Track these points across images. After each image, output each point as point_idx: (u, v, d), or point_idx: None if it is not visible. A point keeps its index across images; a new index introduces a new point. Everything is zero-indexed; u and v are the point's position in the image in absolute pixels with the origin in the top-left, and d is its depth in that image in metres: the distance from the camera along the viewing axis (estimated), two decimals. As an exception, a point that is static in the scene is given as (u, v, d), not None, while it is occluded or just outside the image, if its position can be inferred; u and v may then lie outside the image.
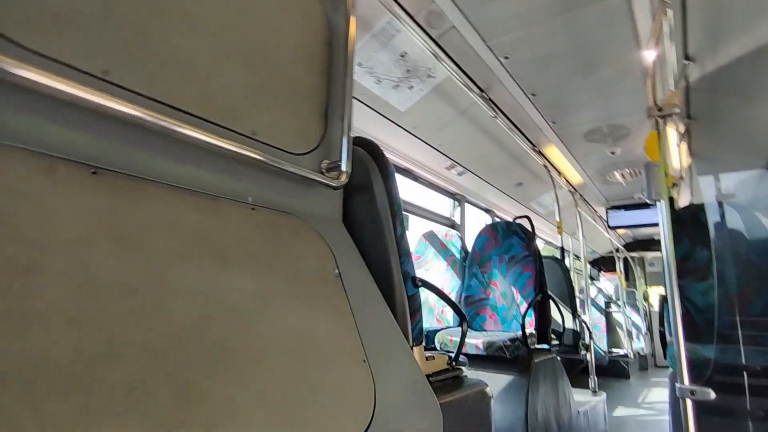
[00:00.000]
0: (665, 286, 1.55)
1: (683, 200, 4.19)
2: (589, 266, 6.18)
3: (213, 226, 0.81)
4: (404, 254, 1.24)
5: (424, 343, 1.31)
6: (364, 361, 0.95)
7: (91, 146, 0.70)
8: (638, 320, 7.06)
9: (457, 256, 3.04)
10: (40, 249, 0.56)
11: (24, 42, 0.62)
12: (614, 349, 6.19)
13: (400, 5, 1.97)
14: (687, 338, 1.42)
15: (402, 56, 2.33)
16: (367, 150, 1.30)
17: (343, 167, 1.08)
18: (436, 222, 3.93)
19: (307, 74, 1.12)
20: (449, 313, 2.91)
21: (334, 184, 1.07)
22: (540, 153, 3.78)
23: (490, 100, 2.85)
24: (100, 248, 0.62)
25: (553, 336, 2.69)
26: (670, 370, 1.90)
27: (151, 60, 0.77)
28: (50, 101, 0.64)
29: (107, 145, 0.72)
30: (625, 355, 5.99)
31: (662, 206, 1.50)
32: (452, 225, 4.15)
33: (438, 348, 2.43)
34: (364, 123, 2.70)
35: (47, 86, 0.59)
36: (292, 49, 1.08)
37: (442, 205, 4.21)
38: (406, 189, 3.58)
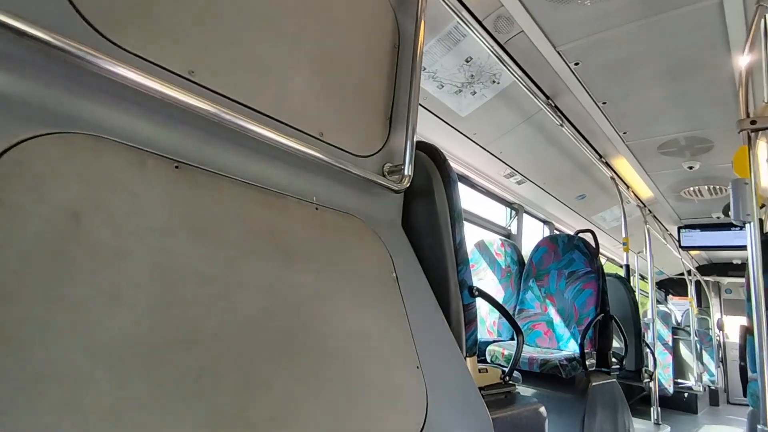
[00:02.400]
0: (750, 317, 1.40)
1: (772, 223, 3.80)
2: (656, 288, 5.75)
3: (280, 223, 0.84)
4: (462, 262, 1.21)
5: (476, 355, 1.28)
6: (418, 367, 0.94)
7: (174, 142, 0.74)
8: (710, 350, 6.48)
9: (513, 267, 2.94)
10: (129, 235, 0.60)
11: (122, 43, 0.67)
12: (681, 380, 5.71)
13: (468, 9, 1.95)
14: (772, 376, 1.27)
15: (467, 61, 2.30)
16: (430, 155, 1.29)
17: (406, 171, 1.08)
18: (492, 231, 3.83)
19: (374, 77, 1.13)
20: (503, 326, 2.82)
21: (395, 188, 1.07)
22: (607, 164, 3.58)
23: (557, 107, 2.74)
24: (179, 238, 0.66)
25: (613, 359, 2.53)
26: (750, 408, 1.71)
27: (232, 62, 0.82)
28: (142, 98, 0.69)
29: (189, 141, 0.76)
30: (693, 387, 5.51)
31: (751, 228, 1.36)
32: (508, 235, 4.03)
33: (489, 360, 2.37)
34: (422, 127, 2.69)
35: (140, 84, 0.63)
36: (361, 53, 1.10)
37: (498, 213, 4.10)
38: (462, 196, 3.53)
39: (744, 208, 1.38)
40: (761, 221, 1.55)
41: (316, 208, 0.95)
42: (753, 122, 1.45)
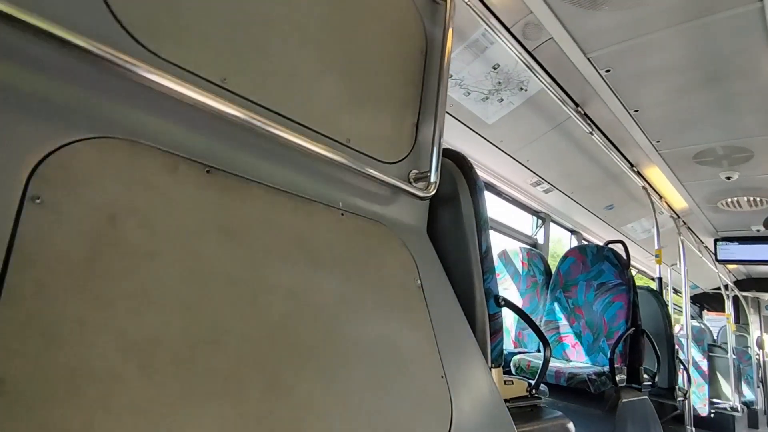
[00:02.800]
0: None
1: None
2: (690, 303, 5.52)
3: (306, 228, 0.85)
4: (488, 271, 1.19)
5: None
6: (442, 377, 0.93)
7: (206, 147, 0.76)
8: (749, 369, 6.15)
9: (539, 277, 2.88)
10: (161, 238, 0.62)
11: (158, 51, 0.69)
12: (717, 400, 5.44)
13: (496, 16, 1.93)
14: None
15: (494, 68, 2.28)
16: (456, 162, 1.28)
17: (432, 178, 1.08)
18: (517, 240, 3.77)
19: (401, 84, 1.14)
20: (527, 337, 2.76)
21: (421, 195, 1.06)
22: (639, 174, 3.47)
23: (586, 115, 2.68)
24: (209, 241, 0.67)
25: (645, 376, 2.44)
26: None
27: (262, 69, 0.83)
28: (176, 105, 0.71)
29: (220, 147, 0.78)
30: (731, 408, 5.24)
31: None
32: (534, 244, 3.95)
33: (514, 372, 2.31)
34: (447, 134, 2.68)
35: (175, 91, 0.65)
36: (389, 59, 1.10)
37: (523, 222, 4.03)
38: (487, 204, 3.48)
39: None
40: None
41: (342, 214, 0.95)
42: (798, 130, 1.38)
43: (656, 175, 3.61)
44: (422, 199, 1.09)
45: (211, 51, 0.76)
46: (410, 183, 1.10)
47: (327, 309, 0.79)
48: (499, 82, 2.38)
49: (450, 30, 1.21)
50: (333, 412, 0.70)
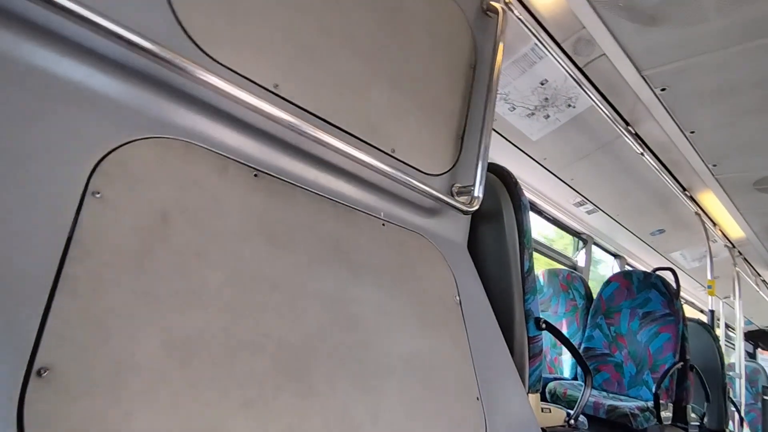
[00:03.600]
0: None
1: None
2: (744, 339, 5.14)
3: (348, 236, 0.84)
4: (529, 291, 1.15)
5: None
6: (478, 399, 0.89)
7: (255, 151, 0.77)
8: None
9: (579, 301, 2.76)
10: (209, 237, 0.63)
11: (216, 56, 0.71)
12: (771, 447, 4.99)
13: (547, 31, 1.90)
14: None
15: (542, 84, 2.23)
16: (501, 178, 1.25)
17: (476, 192, 1.05)
18: (557, 261, 3.64)
19: (448, 96, 1.12)
20: (563, 362, 2.64)
21: (464, 209, 1.04)
22: (692, 198, 3.29)
23: (637, 135, 2.57)
24: (254, 243, 0.68)
25: (692, 415, 2.27)
26: None
27: (313, 77, 0.84)
28: (230, 108, 0.73)
29: (268, 151, 0.79)
30: (785, 458, 4.80)
31: None
32: (573, 266, 3.81)
33: (549, 399, 2.21)
34: (491, 148, 2.64)
35: (230, 95, 0.67)
36: (437, 71, 1.10)
37: (564, 243, 3.89)
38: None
39: None
40: None
41: (383, 224, 0.94)
42: None
43: (711, 200, 3.41)
44: (465, 213, 1.06)
45: (266, 57, 0.78)
46: (453, 196, 1.08)
47: (364, 319, 0.78)
48: (546, 98, 2.33)
49: (501, 44, 1.20)
50: (366, 423, 0.68)
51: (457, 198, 1.08)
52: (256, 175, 0.75)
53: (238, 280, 0.63)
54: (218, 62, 0.72)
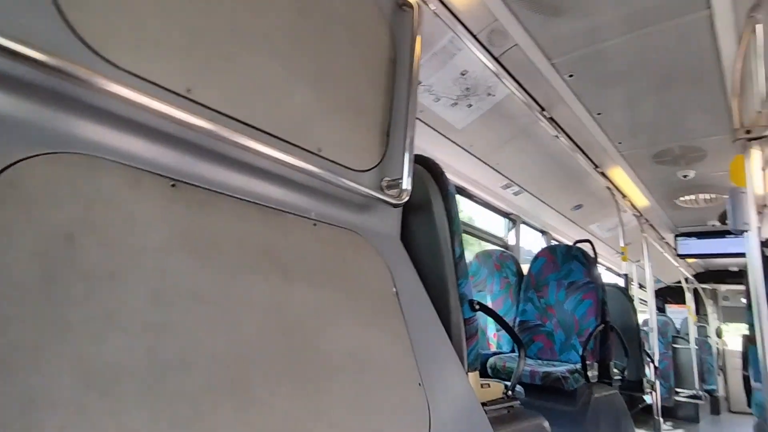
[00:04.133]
0: (751, 326, 1.39)
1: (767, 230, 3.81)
2: (654, 297, 5.75)
3: (278, 240, 0.83)
4: (462, 276, 1.20)
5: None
6: (420, 384, 0.93)
7: (171, 160, 0.73)
8: (710, 358, 6.45)
9: (512, 278, 2.93)
10: (124, 256, 0.59)
11: (118, 61, 0.67)
12: (681, 389, 5.67)
13: (462, 24, 1.97)
14: (777, 386, 1.26)
15: (462, 74, 2.31)
16: (427, 168, 1.29)
17: (404, 185, 1.08)
18: (490, 242, 3.83)
19: (371, 92, 1.14)
20: (503, 338, 2.80)
21: (394, 202, 1.06)
22: (603, 174, 3.59)
23: (552, 119, 2.76)
24: (176, 258, 0.65)
25: (615, 370, 2.51)
26: (756, 420, 1.70)
27: (229, 79, 0.81)
28: (138, 117, 0.69)
29: (185, 159, 0.76)
30: (695, 396, 5.47)
31: (750, 237, 1.36)
32: (506, 246, 4.03)
33: (490, 374, 2.34)
34: (418, 140, 2.70)
35: (136, 102, 0.63)
36: (358, 68, 1.10)
37: (496, 225, 4.10)
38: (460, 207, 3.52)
39: (742, 216, 1.38)
40: (759, 228, 1.55)
41: (314, 224, 0.94)
42: (748, 131, 1.46)
43: (619, 175, 3.75)
44: (395, 206, 1.08)
45: (175, 61, 0.74)
46: (382, 191, 1.10)
47: (301, 322, 0.78)
48: (468, 88, 2.42)
49: (418, 37, 1.22)
50: (311, 426, 0.69)
51: (386, 192, 1.09)
52: (173, 186, 0.71)
53: (160, 298, 0.60)
54: (121, 68, 0.67)
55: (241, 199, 0.81)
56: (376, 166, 1.11)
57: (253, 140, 0.77)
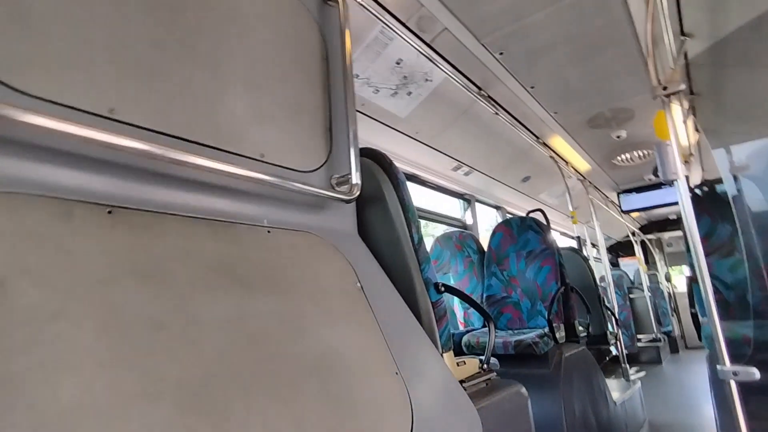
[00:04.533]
0: (692, 266, 1.51)
1: (695, 177, 4.12)
2: (607, 253, 6.08)
3: (232, 252, 0.81)
4: (424, 261, 1.22)
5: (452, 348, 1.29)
6: (396, 373, 0.94)
7: (105, 185, 0.70)
8: (663, 303, 6.93)
9: (474, 256, 3.01)
10: (64, 294, 0.56)
11: (27, 89, 0.62)
12: (642, 335, 6.06)
13: (390, 13, 1.98)
14: (721, 317, 1.38)
15: (398, 63, 2.33)
16: (375, 160, 1.29)
17: (354, 180, 1.08)
18: (449, 224, 3.90)
19: (307, 91, 1.12)
20: (473, 316, 2.87)
21: (346, 198, 1.06)
22: (545, 145, 3.75)
23: (490, 97, 2.84)
24: (123, 287, 0.62)
25: (580, 328, 2.64)
26: (707, 351, 1.84)
27: (155, 94, 0.78)
28: (60, 145, 0.65)
29: (121, 183, 0.72)
30: (655, 339, 5.87)
31: (680, 185, 1.47)
32: (464, 226, 4.12)
33: (466, 351, 2.40)
34: (366, 133, 2.71)
35: (55, 130, 0.59)
36: (291, 68, 1.08)
37: (453, 207, 4.19)
38: (414, 194, 3.57)
39: (670, 167, 1.48)
40: (688, 177, 1.67)
41: (269, 231, 0.92)
42: (665, 88, 1.57)
43: (559, 143, 3.92)
44: (347, 202, 1.08)
45: (92, 81, 0.70)
46: (333, 188, 1.09)
47: (268, 331, 0.76)
48: (405, 76, 2.44)
49: (347, 31, 1.22)
50: (292, 435, 0.68)
51: (337, 189, 1.09)
52: (110, 212, 0.68)
53: (112, 332, 0.57)
54: (33, 96, 0.63)
55: (187, 216, 0.78)
56: (323, 165, 1.10)
57: (190, 154, 0.74)
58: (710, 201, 2.15)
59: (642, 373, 3.59)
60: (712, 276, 2.00)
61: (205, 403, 0.61)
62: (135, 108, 0.75)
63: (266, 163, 0.95)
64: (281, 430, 0.67)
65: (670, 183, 1.51)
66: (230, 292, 0.75)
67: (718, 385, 1.43)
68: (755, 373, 1.26)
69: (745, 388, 1.30)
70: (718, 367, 1.32)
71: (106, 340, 0.56)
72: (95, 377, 0.53)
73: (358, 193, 1.07)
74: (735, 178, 2.30)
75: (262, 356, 0.72)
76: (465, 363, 1.32)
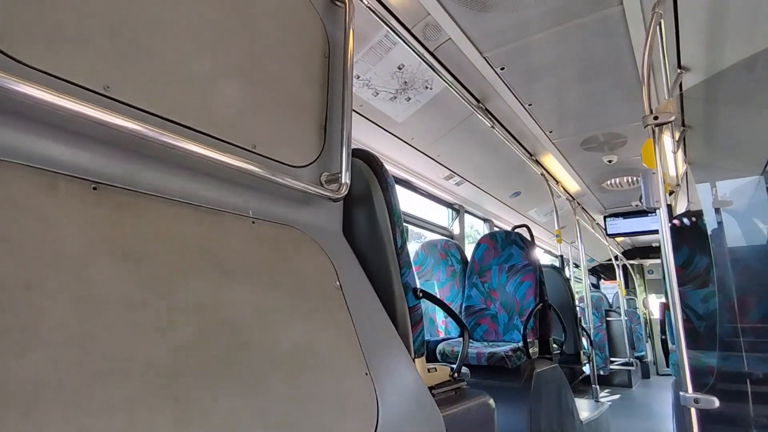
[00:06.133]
0: (666, 294, 1.54)
1: (680, 207, 4.21)
2: (588, 274, 6.17)
3: (214, 240, 0.81)
4: (405, 265, 1.24)
5: (426, 355, 1.30)
6: (366, 374, 0.95)
7: (92, 162, 0.70)
8: (639, 328, 7.04)
9: (457, 266, 3.03)
10: (41, 265, 0.56)
11: (25, 59, 0.62)
12: (615, 358, 6.15)
13: (396, 18, 1.99)
14: (689, 346, 1.41)
15: (399, 68, 2.35)
16: (367, 162, 1.30)
17: (343, 179, 1.09)
18: (435, 232, 3.93)
19: (306, 87, 1.13)
20: (451, 324, 2.90)
21: (333, 196, 1.07)
22: (537, 162, 3.80)
23: (487, 110, 2.87)
24: (100, 264, 0.62)
25: (554, 345, 2.68)
26: (674, 378, 1.89)
27: (152, 75, 0.78)
28: (52, 118, 0.65)
29: (108, 161, 0.72)
30: (627, 363, 5.96)
31: (661, 214, 1.51)
32: (451, 235, 4.15)
33: (440, 359, 2.42)
34: (362, 134, 2.72)
35: (48, 103, 0.59)
36: (292, 63, 1.09)
37: (440, 215, 4.22)
38: (404, 200, 3.59)
39: (653, 195, 1.52)
40: (670, 206, 1.71)
41: (253, 222, 0.93)
42: (656, 117, 1.60)
43: (551, 162, 3.98)
44: (335, 200, 1.09)
45: (90, 56, 0.70)
46: (322, 185, 1.10)
47: (242, 321, 0.77)
48: (405, 82, 2.46)
49: (351, 32, 1.23)
50: (255, 425, 0.68)
51: (326, 186, 1.10)
52: (95, 189, 0.68)
53: (85, 307, 0.57)
54: (31, 67, 0.63)
55: (171, 199, 0.78)
56: (314, 162, 1.11)
57: (182, 138, 0.74)
58: (691, 232, 2.19)
59: (616, 396, 3.65)
60: (686, 305, 2.05)
61: (170, 386, 0.61)
62: (129, 87, 0.75)
63: (257, 154, 0.96)
64: (245, 418, 0.67)
65: (653, 211, 1.55)
66: (208, 279, 0.75)
67: (680, 411, 1.46)
68: (715, 402, 1.29)
69: (704, 415, 1.34)
70: (681, 393, 1.35)
71: (78, 316, 0.56)
72: (62, 352, 0.53)
73: (346, 192, 1.08)
74: (717, 211, 2.35)
75: (233, 345, 0.73)
76: (436, 370, 1.33)
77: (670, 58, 2.27)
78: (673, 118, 1.64)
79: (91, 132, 0.69)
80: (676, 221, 2.15)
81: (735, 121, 2.90)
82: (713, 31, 2.19)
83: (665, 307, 2.02)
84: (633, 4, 1.98)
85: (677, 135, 3.02)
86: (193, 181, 0.84)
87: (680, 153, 3.19)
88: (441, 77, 2.34)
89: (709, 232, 2.06)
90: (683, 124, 3.07)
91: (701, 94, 2.76)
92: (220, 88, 0.90)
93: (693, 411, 1.34)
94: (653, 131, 1.62)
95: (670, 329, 1.90)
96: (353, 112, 2.43)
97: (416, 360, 1.20)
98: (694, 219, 2.17)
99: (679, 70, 2.47)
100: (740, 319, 1.83)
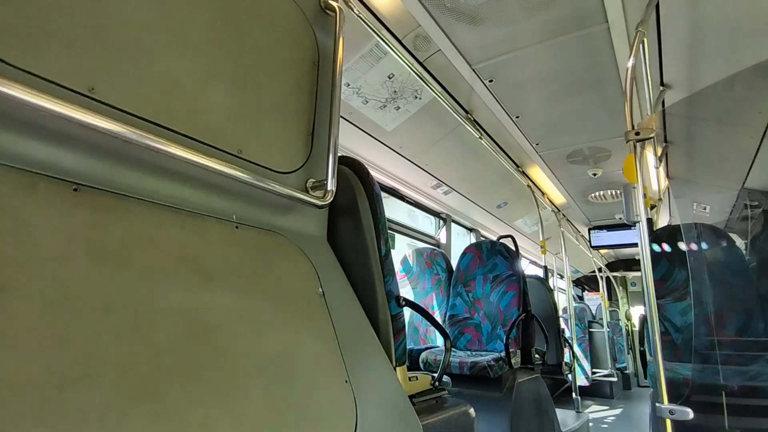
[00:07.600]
0: (645, 306, 1.57)
1: (662, 222, 4.29)
2: (572, 286, 6.24)
3: (196, 244, 0.81)
4: (388, 274, 1.24)
5: (408, 363, 1.30)
6: (347, 381, 0.95)
7: (74, 163, 0.69)
8: (621, 339, 7.13)
9: (442, 275, 3.05)
10: (16, 267, 0.55)
11: (10, 59, 0.62)
12: (597, 369, 6.21)
13: (387, 29, 2.02)
14: (666, 358, 1.44)
15: (389, 77, 2.37)
16: (353, 169, 1.31)
17: (329, 186, 1.09)
18: (421, 241, 3.94)
19: (294, 93, 1.14)
20: (434, 333, 2.90)
21: (319, 203, 1.07)
22: (524, 173, 3.85)
23: (475, 121, 2.91)
24: (78, 266, 0.61)
25: (536, 356, 2.70)
26: (651, 389, 1.91)
27: (137, 77, 0.78)
28: (34, 118, 0.64)
29: (90, 162, 0.71)
30: (609, 375, 6.02)
31: (641, 227, 1.54)
32: (437, 244, 4.17)
33: (422, 368, 2.42)
34: (350, 142, 2.73)
35: (31, 103, 0.58)
36: (281, 69, 1.10)
37: (427, 224, 4.23)
38: (391, 208, 3.60)
39: (633, 209, 1.55)
40: (650, 220, 1.74)
41: (237, 227, 0.92)
42: (637, 133, 1.64)
43: (538, 174, 4.03)
44: (320, 207, 1.09)
45: (75, 58, 0.70)
46: (307, 192, 1.10)
47: (221, 327, 0.76)
48: (395, 91, 2.48)
49: (341, 40, 1.24)
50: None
51: (311, 193, 1.10)
52: (75, 190, 0.67)
53: (59, 311, 0.57)
54: (15, 66, 0.62)
55: (154, 202, 0.78)
56: (300, 168, 1.12)
57: (166, 141, 0.74)
58: (670, 246, 2.24)
59: (599, 407, 3.68)
60: (665, 318, 2.08)
61: (146, 391, 0.61)
62: (114, 89, 0.75)
63: (243, 159, 0.96)
64: (220, 424, 0.67)
65: (632, 224, 1.58)
66: (189, 283, 0.75)
67: (657, 422, 1.49)
68: (689, 413, 1.32)
69: (679, 426, 1.36)
70: (657, 404, 1.38)
71: (52, 318, 0.56)
72: (35, 355, 0.53)
73: (331, 199, 1.08)
74: (696, 226, 2.41)
75: (211, 350, 0.72)
76: (417, 378, 1.34)
77: (653, 75, 2.33)
78: (653, 134, 1.69)
79: (74, 133, 0.69)
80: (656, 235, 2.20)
81: (714, 138, 2.98)
82: (695, 51, 2.25)
83: (644, 320, 2.06)
84: (618, 22, 2.03)
85: (659, 150, 3.09)
86: (177, 185, 0.84)
87: (662, 168, 3.26)
88: (430, 87, 2.36)
89: (687, 247, 2.11)
90: (665, 140, 3.15)
91: (683, 111, 2.83)
92: (207, 92, 0.90)
93: (668, 422, 1.36)
94: (635, 146, 1.66)
95: (649, 341, 1.93)
96: (343, 120, 2.44)
97: (398, 368, 1.20)
98: (673, 233, 2.22)
99: (661, 87, 2.54)
100: (716, 332, 1.87)
